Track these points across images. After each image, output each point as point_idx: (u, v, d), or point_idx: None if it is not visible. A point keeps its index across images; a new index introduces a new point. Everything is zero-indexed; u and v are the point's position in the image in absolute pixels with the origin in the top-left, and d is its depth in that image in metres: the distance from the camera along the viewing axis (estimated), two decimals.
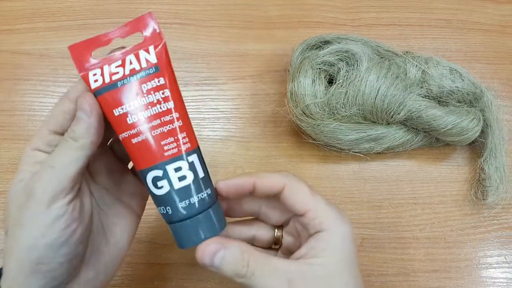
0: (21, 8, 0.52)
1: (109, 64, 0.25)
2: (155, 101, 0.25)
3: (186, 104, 0.27)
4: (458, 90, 0.43)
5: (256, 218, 0.32)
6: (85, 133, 0.24)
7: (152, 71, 0.25)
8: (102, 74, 0.25)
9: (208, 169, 0.28)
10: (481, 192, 0.44)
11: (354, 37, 0.46)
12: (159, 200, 0.26)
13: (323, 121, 0.42)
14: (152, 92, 0.25)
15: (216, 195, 0.28)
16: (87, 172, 0.28)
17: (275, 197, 0.29)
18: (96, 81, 0.25)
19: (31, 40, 0.50)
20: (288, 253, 0.30)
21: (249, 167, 0.46)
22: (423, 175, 0.46)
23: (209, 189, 0.27)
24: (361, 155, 0.45)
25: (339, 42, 0.46)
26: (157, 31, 0.26)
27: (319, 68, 0.43)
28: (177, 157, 0.26)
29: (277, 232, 0.31)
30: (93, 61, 0.26)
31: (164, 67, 0.26)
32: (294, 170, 0.46)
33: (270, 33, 0.52)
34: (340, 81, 0.43)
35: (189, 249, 0.27)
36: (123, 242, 0.29)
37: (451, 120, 0.42)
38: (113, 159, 0.30)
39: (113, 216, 0.29)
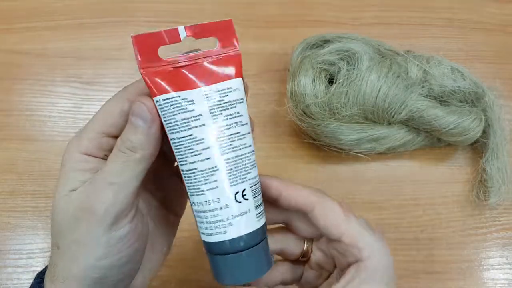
0: (19, 8, 0.52)
1: None
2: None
3: None
4: (460, 90, 0.43)
5: (286, 228, 0.30)
6: (145, 144, 0.22)
7: None
8: None
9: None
10: (483, 192, 0.44)
11: (355, 36, 0.46)
12: None
13: (323, 121, 0.42)
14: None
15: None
16: None
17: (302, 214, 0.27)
18: None
19: (29, 39, 0.50)
20: (317, 268, 0.29)
21: None
22: (425, 175, 0.46)
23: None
24: (362, 155, 0.44)
25: (339, 41, 0.45)
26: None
27: (320, 68, 0.43)
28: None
29: (306, 245, 0.29)
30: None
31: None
32: (294, 171, 0.46)
33: (270, 32, 0.52)
34: (341, 80, 0.42)
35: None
36: (167, 246, 0.28)
37: (453, 120, 0.41)
38: (161, 160, 0.27)
39: (157, 220, 0.28)
